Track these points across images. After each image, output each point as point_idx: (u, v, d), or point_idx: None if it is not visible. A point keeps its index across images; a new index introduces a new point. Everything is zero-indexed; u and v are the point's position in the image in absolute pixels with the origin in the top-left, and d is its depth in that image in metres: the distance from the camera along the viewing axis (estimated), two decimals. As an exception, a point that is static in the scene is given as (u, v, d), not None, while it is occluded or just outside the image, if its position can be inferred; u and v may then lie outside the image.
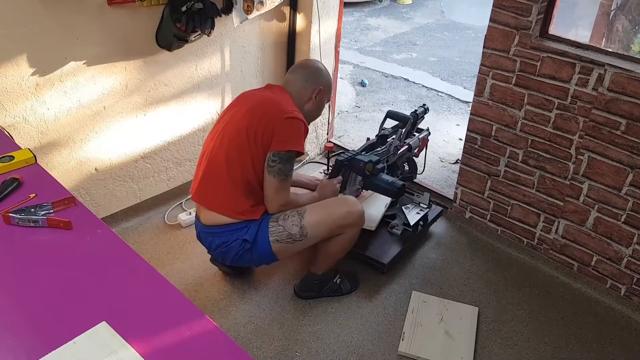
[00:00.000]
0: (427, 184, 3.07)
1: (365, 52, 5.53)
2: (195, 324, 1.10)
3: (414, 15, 6.99)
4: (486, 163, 2.64)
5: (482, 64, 2.47)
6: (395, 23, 6.61)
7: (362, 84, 4.66)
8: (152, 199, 2.76)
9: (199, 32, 2.36)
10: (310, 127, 3.24)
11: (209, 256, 2.37)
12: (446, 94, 4.57)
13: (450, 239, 2.75)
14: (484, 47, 2.44)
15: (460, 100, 4.45)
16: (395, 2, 7.40)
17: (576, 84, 2.23)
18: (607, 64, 2.11)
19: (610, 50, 2.22)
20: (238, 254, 2.03)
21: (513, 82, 2.40)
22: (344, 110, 4.13)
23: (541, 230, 2.57)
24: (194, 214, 2.56)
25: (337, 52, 3.17)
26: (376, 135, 2.61)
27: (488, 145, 2.59)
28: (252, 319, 2.20)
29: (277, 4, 2.70)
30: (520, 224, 2.64)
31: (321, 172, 2.93)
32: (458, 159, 3.24)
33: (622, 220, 2.26)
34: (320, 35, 2.98)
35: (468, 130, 2.64)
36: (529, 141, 2.45)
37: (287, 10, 2.89)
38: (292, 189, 2.09)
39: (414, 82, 4.79)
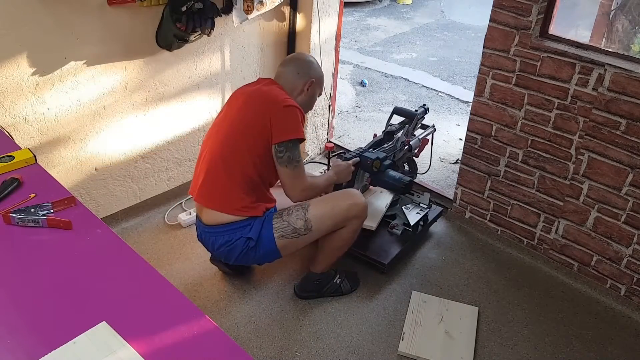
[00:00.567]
0: (427, 184, 3.07)
1: (365, 52, 5.53)
2: (195, 324, 1.10)
3: (414, 15, 6.99)
4: (486, 163, 2.64)
5: (482, 64, 2.47)
6: (395, 23, 6.61)
7: (362, 84, 4.66)
8: (152, 199, 2.76)
9: (199, 32, 2.36)
10: (311, 127, 3.25)
11: (209, 256, 2.37)
12: (446, 94, 4.57)
13: (450, 239, 2.75)
14: (484, 47, 2.44)
15: (460, 100, 4.44)
16: (395, 2, 7.39)
17: (576, 84, 2.23)
18: (607, 64, 2.11)
19: (610, 50, 2.22)
20: (242, 252, 2.03)
21: (513, 82, 2.40)
22: (344, 110, 4.13)
23: (541, 230, 2.57)
24: (194, 214, 2.57)
25: (337, 52, 3.17)
26: (383, 132, 2.62)
27: (488, 145, 2.59)
28: (252, 319, 2.20)
29: (277, 4, 2.70)
30: (520, 224, 2.64)
31: (321, 172, 2.93)
32: (458, 159, 3.24)
33: (622, 220, 2.26)
34: (320, 35, 2.98)
35: (468, 130, 2.65)
36: (529, 141, 2.45)
37: (287, 10, 2.89)
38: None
39: (414, 82, 4.78)
